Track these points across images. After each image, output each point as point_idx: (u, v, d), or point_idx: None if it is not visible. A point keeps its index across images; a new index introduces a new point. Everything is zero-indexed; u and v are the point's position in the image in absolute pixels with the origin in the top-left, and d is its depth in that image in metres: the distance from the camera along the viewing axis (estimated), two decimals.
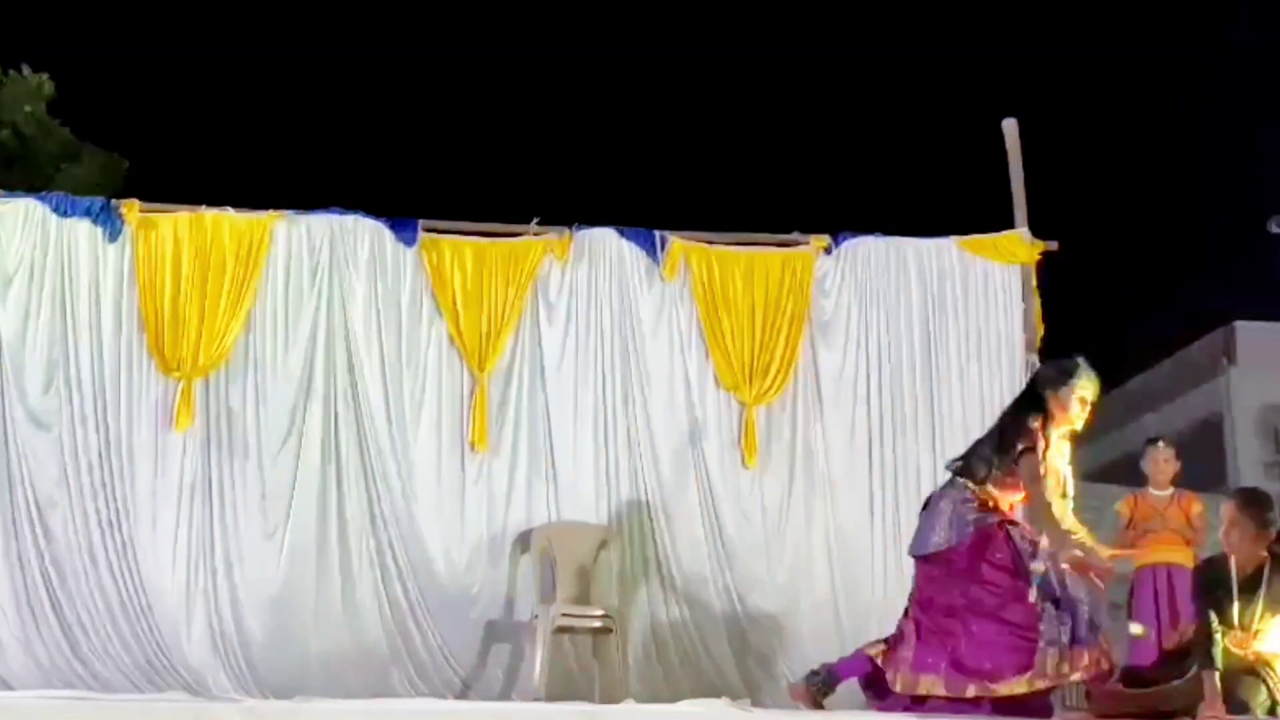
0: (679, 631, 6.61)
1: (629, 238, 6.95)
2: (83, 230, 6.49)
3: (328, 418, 6.56)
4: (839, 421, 6.87)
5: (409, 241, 6.75)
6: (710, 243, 7.01)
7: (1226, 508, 5.50)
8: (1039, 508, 5.27)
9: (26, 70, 12.02)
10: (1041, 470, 5.26)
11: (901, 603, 6.62)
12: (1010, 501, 5.42)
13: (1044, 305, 7.07)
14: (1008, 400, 6.90)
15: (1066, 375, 5.38)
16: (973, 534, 5.24)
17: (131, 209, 6.53)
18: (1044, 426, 5.32)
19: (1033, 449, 5.28)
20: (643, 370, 6.82)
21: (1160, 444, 6.96)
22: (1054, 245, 7.08)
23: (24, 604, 6.11)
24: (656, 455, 6.77)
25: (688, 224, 7.07)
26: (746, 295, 6.90)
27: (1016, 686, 5.06)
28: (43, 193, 6.81)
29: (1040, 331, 6.99)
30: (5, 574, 6.16)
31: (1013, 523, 5.34)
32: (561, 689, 6.17)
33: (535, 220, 6.87)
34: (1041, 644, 5.05)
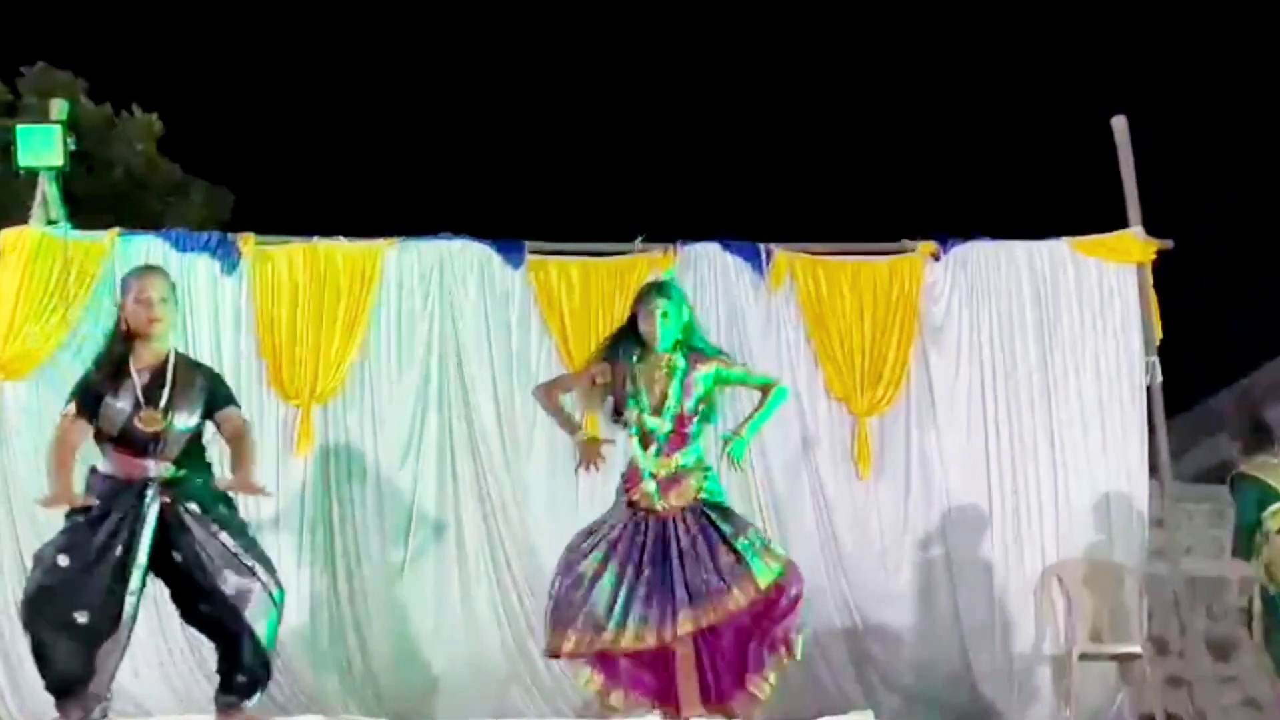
0: None
1: (733, 251, 6.93)
2: (201, 264, 6.65)
3: (443, 438, 6.64)
4: (954, 429, 6.77)
5: (516, 263, 6.82)
6: (816, 253, 6.98)
7: None
8: None
9: (137, 111, 12.39)
10: None
11: (1024, 612, 6.57)
12: None
13: (1160, 303, 6.91)
14: (1127, 402, 6.82)
15: None
16: None
17: (247, 242, 6.69)
18: None
19: None
20: None
21: None
22: (1169, 244, 6.94)
23: (157, 631, 6.25)
24: (769, 467, 6.72)
25: (792, 236, 7.04)
26: (854, 304, 6.85)
27: None
28: (162, 230, 7.00)
29: (1159, 333, 6.84)
30: None
31: None
32: None
33: (640, 237, 6.90)
34: None
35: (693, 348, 5.18)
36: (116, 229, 6.79)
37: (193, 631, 6.22)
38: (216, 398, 4.90)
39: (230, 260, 6.65)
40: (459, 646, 6.45)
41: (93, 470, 4.74)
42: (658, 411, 5.06)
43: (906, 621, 6.59)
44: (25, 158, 6.64)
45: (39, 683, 6.03)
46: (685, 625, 4.88)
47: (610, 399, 5.19)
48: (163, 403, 4.68)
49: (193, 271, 6.62)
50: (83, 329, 6.48)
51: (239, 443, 4.91)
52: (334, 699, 6.24)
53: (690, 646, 4.96)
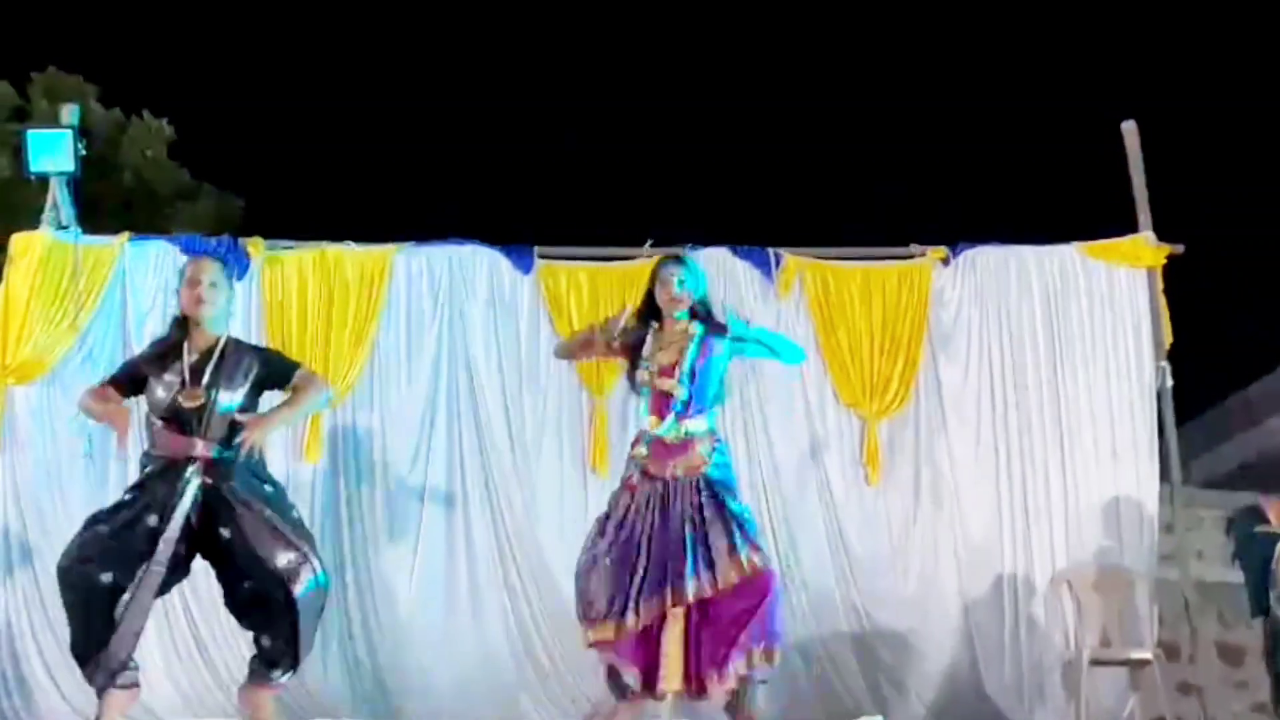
0: (805, 648, 6.55)
1: (743, 256, 6.93)
2: None
3: (451, 443, 6.65)
4: (963, 434, 6.77)
5: (525, 268, 6.83)
6: (825, 259, 6.98)
7: None
8: None
9: (147, 116, 12.43)
10: None
11: (1035, 617, 6.56)
12: None
13: (1170, 307, 6.87)
14: (1137, 407, 6.80)
15: None
16: None
17: (257, 246, 6.70)
18: None
19: None
20: (760, 388, 6.78)
21: None
22: (1180, 248, 6.92)
23: (166, 634, 6.26)
24: (778, 472, 6.72)
25: (802, 241, 7.03)
26: (864, 310, 6.85)
27: None
28: (172, 234, 7.01)
29: (1170, 338, 6.82)
30: None
31: None
32: None
33: (649, 243, 6.89)
34: None
35: (711, 319, 5.06)
36: (126, 234, 6.82)
37: (201, 632, 6.28)
38: (274, 373, 4.93)
39: (240, 265, 6.66)
40: (468, 651, 6.44)
41: (145, 452, 4.83)
42: (670, 373, 4.94)
43: (916, 626, 6.57)
44: (36, 163, 6.65)
45: (45, 684, 6.09)
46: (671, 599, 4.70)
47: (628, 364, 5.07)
48: (205, 380, 4.73)
49: None
50: (92, 333, 6.52)
51: (295, 391, 4.92)
52: (342, 703, 6.24)
53: (681, 620, 4.74)
